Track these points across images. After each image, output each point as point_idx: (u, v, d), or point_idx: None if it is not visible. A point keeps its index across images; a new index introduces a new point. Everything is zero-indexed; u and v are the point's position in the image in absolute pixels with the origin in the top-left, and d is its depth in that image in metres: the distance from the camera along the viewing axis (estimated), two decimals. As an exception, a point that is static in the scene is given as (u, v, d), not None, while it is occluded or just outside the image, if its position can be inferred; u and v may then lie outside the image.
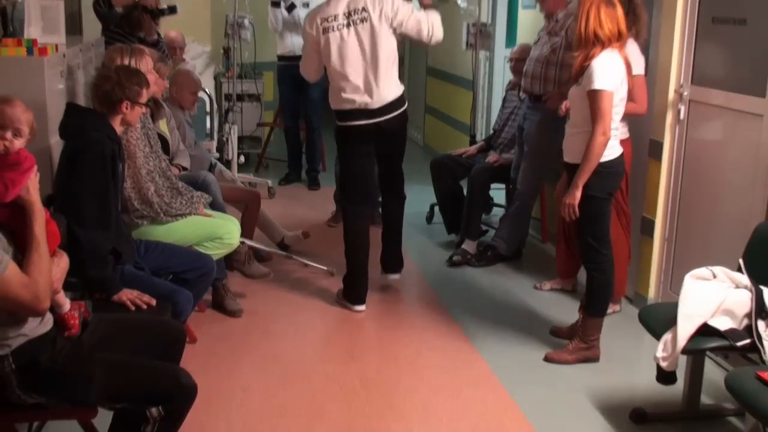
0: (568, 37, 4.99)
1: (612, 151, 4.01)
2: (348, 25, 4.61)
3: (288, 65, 7.36)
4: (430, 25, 4.74)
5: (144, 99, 3.70)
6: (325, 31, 4.62)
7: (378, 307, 5.00)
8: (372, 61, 4.63)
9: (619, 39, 3.94)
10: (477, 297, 5.21)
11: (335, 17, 4.61)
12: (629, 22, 4.14)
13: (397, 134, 4.85)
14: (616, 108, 3.97)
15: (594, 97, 3.87)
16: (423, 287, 5.37)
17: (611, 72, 3.89)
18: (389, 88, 4.70)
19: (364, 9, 4.61)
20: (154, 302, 3.45)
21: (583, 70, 3.93)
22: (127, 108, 3.61)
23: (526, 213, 5.69)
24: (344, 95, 4.67)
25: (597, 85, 3.85)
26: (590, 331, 4.26)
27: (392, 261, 5.17)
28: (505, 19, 7.60)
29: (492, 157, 5.97)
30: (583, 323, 4.30)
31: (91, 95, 3.76)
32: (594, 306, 4.25)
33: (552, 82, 5.18)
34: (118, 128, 3.64)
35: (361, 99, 4.66)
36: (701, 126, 4.50)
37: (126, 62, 4.09)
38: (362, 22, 4.60)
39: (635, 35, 4.42)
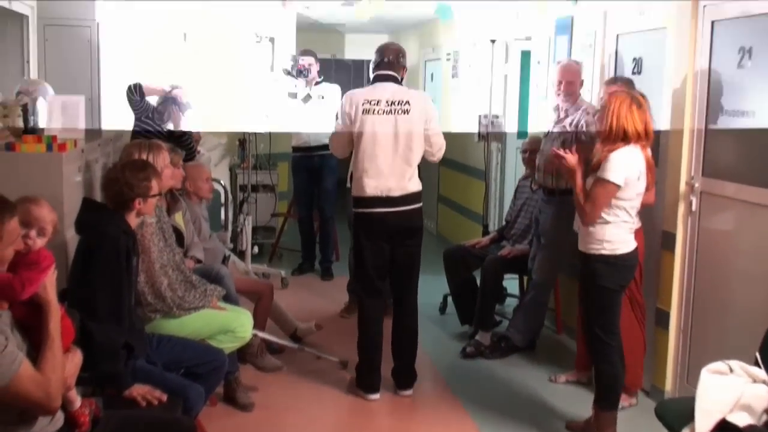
0: (580, 133, 5.04)
1: (626, 245, 4.06)
2: (389, 112, 4.71)
3: (303, 156, 7.54)
4: (442, 149, 4.94)
5: (155, 191, 3.75)
6: (366, 112, 4.70)
7: (391, 398, 4.94)
8: (404, 151, 4.72)
9: (645, 138, 4.03)
10: (491, 389, 5.14)
11: (378, 102, 4.71)
12: None
13: (413, 232, 4.87)
14: (632, 202, 4.05)
15: (599, 183, 3.98)
16: (437, 379, 5.31)
17: (626, 167, 3.98)
18: (412, 180, 4.78)
19: (408, 102, 4.73)
20: (165, 398, 3.42)
21: (598, 162, 4.02)
22: (140, 204, 3.66)
23: (542, 304, 5.66)
24: (367, 179, 4.72)
25: (606, 174, 3.96)
26: (604, 425, 4.20)
27: (404, 376, 5.03)
28: (517, 110, 7.70)
29: (505, 250, 5.97)
30: (596, 418, 4.24)
31: (102, 195, 3.80)
32: (605, 399, 4.20)
33: (564, 178, 5.21)
34: (133, 222, 3.69)
35: (384, 185, 4.71)
36: (713, 217, 4.51)
37: (144, 157, 4.17)
38: (404, 113, 4.72)
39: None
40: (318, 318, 5.98)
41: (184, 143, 5.73)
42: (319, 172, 7.53)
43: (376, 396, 4.88)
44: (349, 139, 4.83)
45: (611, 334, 4.15)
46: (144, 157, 4.18)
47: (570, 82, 5.23)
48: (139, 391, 3.40)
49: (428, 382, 5.25)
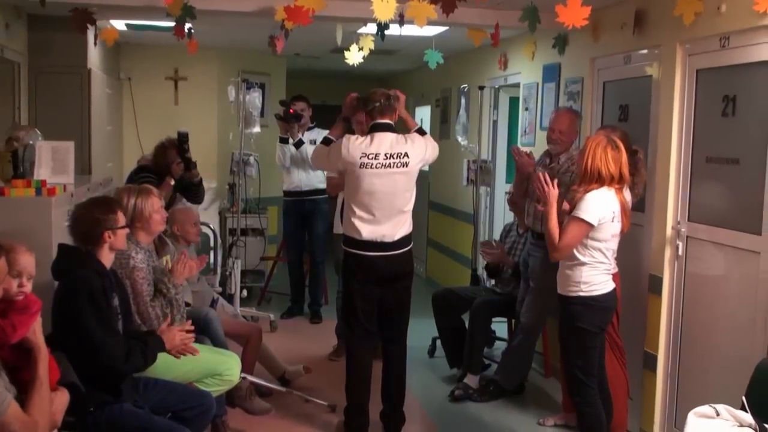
0: (564, 175, 5.10)
1: (604, 286, 4.17)
2: (388, 166, 4.67)
3: (294, 200, 7.58)
4: (436, 150, 5.00)
5: (122, 222, 3.74)
6: (363, 166, 4.66)
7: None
8: (400, 203, 4.73)
9: (619, 182, 4.12)
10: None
11: (376, 156, 4.66)
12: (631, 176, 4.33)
13: (404, 275, 4.87)
14: (607, 243, 4.15)
15: (573, 221, 4.08)
16: (425, 422, 5.29)
17: (600, 208, 4.08)
18: (406, 226, 4.79)
19: (406, 155, 4.71)
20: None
21: (576, 200, 4.12)
22: (110, 237, 3.67)
23: (530, 347, 5.66)
24: (361, 224, 4.70)
25: (580, 213, 4.07)
26: None
27: (392, 419, 4.99)
28: (505, 155, 7.78)
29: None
30: None
31: (72, 238, 3.81)
32: None
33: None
34: (107, 260, 3.70)
35: (378, 232, 4.70)
36: (700, 262, 4.55)
37: (133, 201, 4.20)
38: (402, 166, 4.70)
39: (631, 186, 4.53)
40: (307, 361, 5.96)
41: (199, 188, 6.07)
42: (310, 216, 7.59)
43: None
44: (342, 180, 4.89)
45: (591, 376, 4.20)
46: (134, 201, 4.20)
47: (561, 131, 5.23)
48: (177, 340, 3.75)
49: (416, 425, 5.23)
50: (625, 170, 4.15)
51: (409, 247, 4.84)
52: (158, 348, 3.72)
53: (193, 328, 3.93)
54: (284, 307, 7.92)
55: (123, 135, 8.56)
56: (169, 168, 5.82)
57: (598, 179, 4.10)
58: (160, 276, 4.25)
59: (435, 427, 5.20)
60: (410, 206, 4.80)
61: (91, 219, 3.66)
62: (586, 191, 4.10)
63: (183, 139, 5.88)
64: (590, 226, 4.07)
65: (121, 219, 3.76)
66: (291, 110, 7.18)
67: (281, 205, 7.98)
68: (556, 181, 4.33)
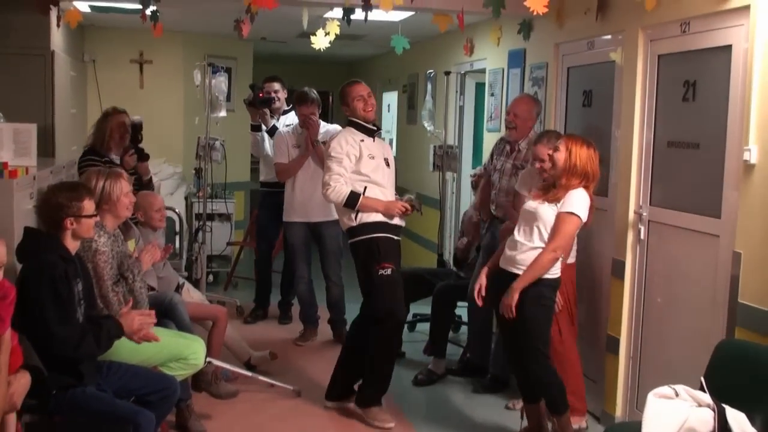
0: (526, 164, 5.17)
1: (558, 270, 4.38)
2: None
3: (272, 192, 6.88)
4: None
5: (88, 211, 3.71)
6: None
7: (344, 423, 4.96)
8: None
9: (593, 179, 4.31)
10: (446, 415, 5.17)
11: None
12: None
13: None
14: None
15: (566, 217, 4.20)
16: (390, 406, 5.26)
17: (585, 203, 4.25)
18: None
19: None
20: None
21: (556, 195, 4.25)
22: (72, 224, 3.64)
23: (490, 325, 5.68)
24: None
25: (571, 208, 4.20)
26: (567, 426, 4.40)
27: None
28: (472, 141, 7.81)
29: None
30: (559, 425, 4.40)
31: (37, 221, 3.78)
32: (562, 404, 4.39)
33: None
34: (72, 245, 3.68)
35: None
36: (661, 246, 4.60)
37: (101, 184, 4.18)
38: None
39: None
40: (272, 345, 5.97)
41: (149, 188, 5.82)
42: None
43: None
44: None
45: (547, 347, 4.40)
46: (102, 183, 4.18)
47: (516, 114, 5.29)
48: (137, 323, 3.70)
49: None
50: (596, 169, 4.32)
51: None
52: (115, 333, 3.67)
53: (153, 312, 3.91)
54: (251, 293, 7.57)
55: (87, 118, 8.46)
56: (110, 147, 5.55)
57: (584, 177, 4.25)
58: (126, 262, 4.24)
59: (399, 412, 5.21)
60: None
61: (55, 204, 3.64)
62: (568, 189, 4.22)
63: (137, 128, 5.68)
64: (581, 220, 4.24)
65: (88, 207, 3.72)
66: (261, 94, 6.69)
67: (248, 191, 7.84)
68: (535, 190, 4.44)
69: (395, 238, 4.96)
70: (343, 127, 5.10)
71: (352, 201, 4.78)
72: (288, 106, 6.91)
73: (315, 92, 6.39)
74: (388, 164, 5.01)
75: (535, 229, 4.27)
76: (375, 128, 5.03)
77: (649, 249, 4.69)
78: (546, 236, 4.26)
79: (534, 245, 4.27)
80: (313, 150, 6.22)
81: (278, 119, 6.82)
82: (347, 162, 4.80)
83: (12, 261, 3.55)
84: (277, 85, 6.87)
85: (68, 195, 3.68)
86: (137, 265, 4.31)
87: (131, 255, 4.43)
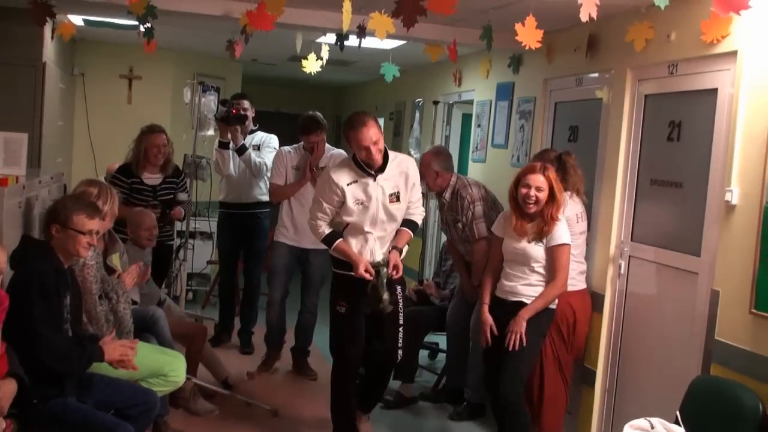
0: (458, 214, 5.40)
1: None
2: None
3: (232, 213, 6.79)
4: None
5: (77, 225, 3.67)
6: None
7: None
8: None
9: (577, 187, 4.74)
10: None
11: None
12: (562, 181, 4.60)
13: None
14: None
15: (560, 251, 4.40)
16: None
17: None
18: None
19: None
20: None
21: (539, 233, 4.41)
22: (57, 231, 3.65)
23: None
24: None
25: (563, 239, 4.41)
26: None
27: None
28: (456, 171, 7.85)
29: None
30: None
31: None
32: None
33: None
34: (65, 257, 3.69)
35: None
36: (641, 281, 4.67)
37: (94, 191, 4.22)
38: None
39: (577, 192, 4.72)
40: (249, 367, 5.97)
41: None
42: (250, 232, 6.80)
43: None
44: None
45: (528, 373, 4.58)
46: (94, 191, 4.22)
47: (422, 173, 5.31)
48: (117, 353, 3.67)
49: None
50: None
51: None
52: (96, 357, 3.66)
53: (135, 343, 3.87)
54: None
55: (74, 131, 8.49)
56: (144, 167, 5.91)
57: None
58: (109, 281, 4.25)
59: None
60: None
61: (51, 208, 3.69)
62: (555, 221, 4.39)
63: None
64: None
65: (80, 223, 3.67)
66: (234, 111, 6.37)
67: (218, 217, 7.45)
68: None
69: (355, 276, 4.48)
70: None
71: (328, 243, 4.61)
72: (255, 126, 6.77)
73: (320, 116, 6.14)
74: (398, 199, 4.56)
75: (529, 267, 4.44)
76: (374, 173, 4.50)
77: (629, 283, 4.75)
78: (541, 269, 4.42)
79: (531, 282, 4.45)
80: (311, 176, 5.94)
81: (244, 138, 6.56)
82: (327, 207, 4.53)
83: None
84: (246, 103, 6.66)
85: (66, 203, 3.71)
86: (121, 286, 4.31)
87: (115, 271, 4.44)
